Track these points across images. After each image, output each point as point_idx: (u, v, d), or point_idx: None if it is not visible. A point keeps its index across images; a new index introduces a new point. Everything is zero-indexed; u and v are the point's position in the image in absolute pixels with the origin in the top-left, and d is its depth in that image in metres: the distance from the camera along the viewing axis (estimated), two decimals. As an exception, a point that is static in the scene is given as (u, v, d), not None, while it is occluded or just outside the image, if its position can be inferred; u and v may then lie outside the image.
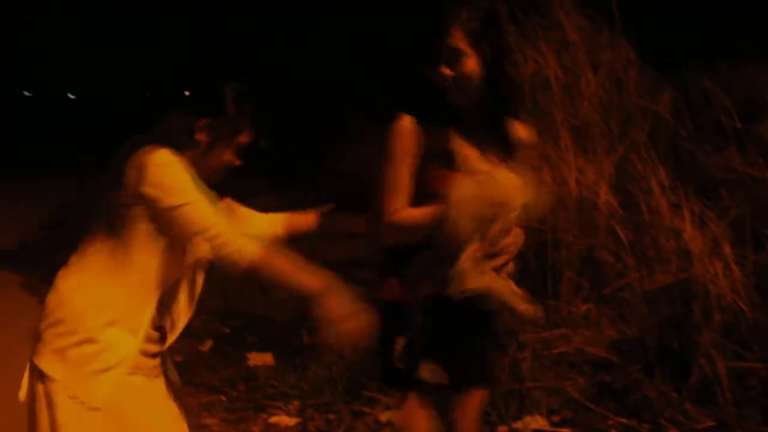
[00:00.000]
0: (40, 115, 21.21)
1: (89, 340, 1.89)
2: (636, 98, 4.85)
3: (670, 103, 4.91)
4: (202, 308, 5.29)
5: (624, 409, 3.45)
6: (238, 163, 2.04)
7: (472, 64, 1.98)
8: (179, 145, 1.91)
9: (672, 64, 5.31)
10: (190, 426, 3.61)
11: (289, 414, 3.75)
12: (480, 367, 2.19)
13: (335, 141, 8.52)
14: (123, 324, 1.92)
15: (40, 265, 6.53)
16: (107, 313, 1.91)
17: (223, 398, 3.98)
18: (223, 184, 2.08)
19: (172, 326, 2.09)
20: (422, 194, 2.01)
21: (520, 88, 2.23)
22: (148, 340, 2.00)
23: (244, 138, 2.01)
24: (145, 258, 1.92)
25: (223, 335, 4.85)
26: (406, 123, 2.03)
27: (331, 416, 3.70)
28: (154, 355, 2.05)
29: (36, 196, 10.22)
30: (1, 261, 6.73)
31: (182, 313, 2.12)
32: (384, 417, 3.62)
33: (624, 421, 3.36)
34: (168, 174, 1.85)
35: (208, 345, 4.70)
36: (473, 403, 2.22)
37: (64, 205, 8.94)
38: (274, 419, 3.71)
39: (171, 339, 2.10)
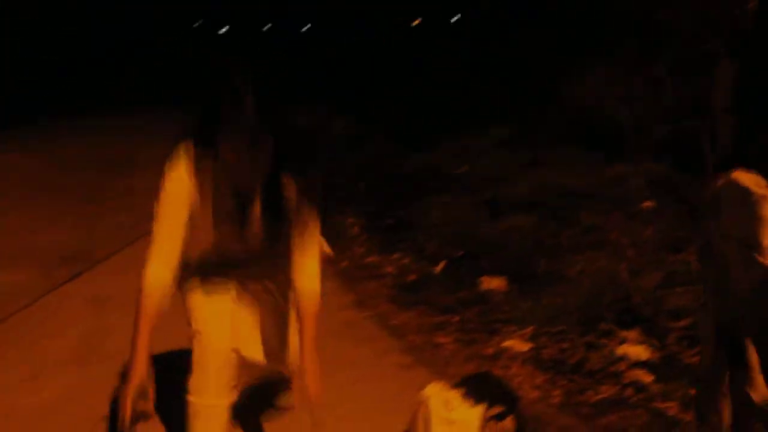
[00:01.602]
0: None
1: None
2: None
3: None
4: (435, 232, 5.45)
5: None
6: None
7: None
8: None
9: None
10: (425, 343, 3.73)
11: (522, 339, 3.73)
12: None
13: (565, 75, 8.17)
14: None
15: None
16: None
17: (456, 319, 4.03)
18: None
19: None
20: None
21: None
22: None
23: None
24: None
25: (455, 258, 4.90)
26: None
27: (565, 345, 3.62)
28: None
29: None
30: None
31: None
32: (620, 350, 3.49)
33: None
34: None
35: (441, 266, 4.79)
36: None
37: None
38: (506, 343, 3.71)
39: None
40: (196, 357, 2.27)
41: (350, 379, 3.39)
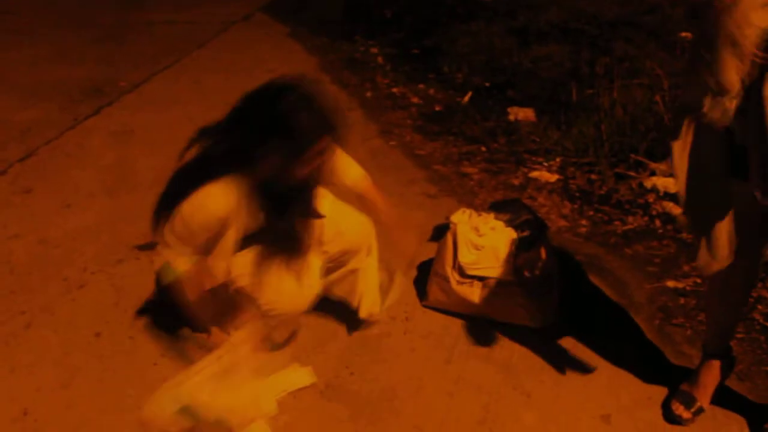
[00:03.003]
0: None
1: None
2: None
3: None
4: (463, 61, 5.30)
5: None
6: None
7: None
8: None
9: None
10: (451, 173, 3.69)
11: (549, 170, 3.68)
12: None
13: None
14: None
15: (306, 18, 6.79)
16: None
17: (483, 149, 3.97)
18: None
19: None
20: None
21: None
22: None
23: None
24: None
25: (483, 88, 4.77)
26: None
27: (594, 176, 3.57)
28: None
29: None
30: (272, 13, 7.05)
31: None
32: (649, 182, 3.44)
33: None
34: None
35: (468, 97, 4.67)
36: None
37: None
38: (534, 174, 3.66)
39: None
40: None
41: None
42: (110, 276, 2.89)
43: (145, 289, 2.79)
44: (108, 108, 4.68)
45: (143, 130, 4.31)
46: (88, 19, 6.91)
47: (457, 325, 2.59)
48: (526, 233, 2.57)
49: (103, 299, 2.76)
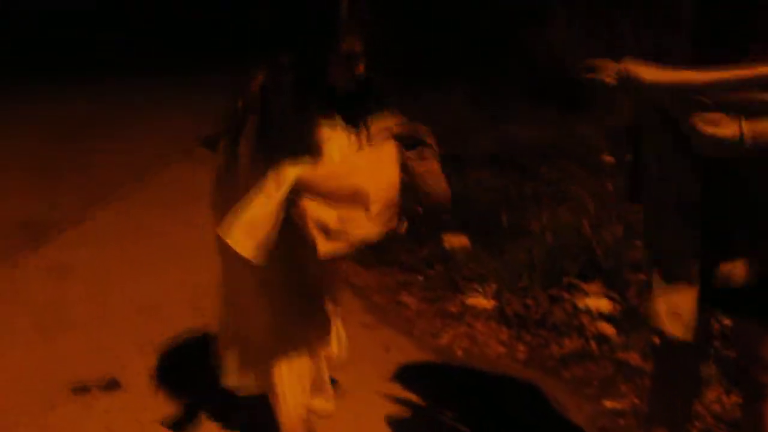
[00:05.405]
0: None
1: None
2: None
3: None
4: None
5: None
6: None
7: None
8: None
9: None
10: (388, 302, 3.71)
11: (486, 296, 3.76)
12: None
13: (525, 23, 8.09)
14: None
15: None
16: None
17: (420, 278, 4.05)
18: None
19: None
20: None
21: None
22: None
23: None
24: None
25: (417, 215, 4.88)
26: None
27: (529, 301, 3.66)
28: None
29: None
30: (212, 147, 7.13)
31: None
32: (582, 303, 3.55)
33: None
34: None
35: (404, 226, 4.77)
36: None
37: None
38: (471, 301, 3.74)
39: None
40: None
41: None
42: (42, 428, 2.78)
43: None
44: (44, 245, 4.63)
45: (80, 268, 4.26)
46: (26, 152, 6.88)
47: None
48: None
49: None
